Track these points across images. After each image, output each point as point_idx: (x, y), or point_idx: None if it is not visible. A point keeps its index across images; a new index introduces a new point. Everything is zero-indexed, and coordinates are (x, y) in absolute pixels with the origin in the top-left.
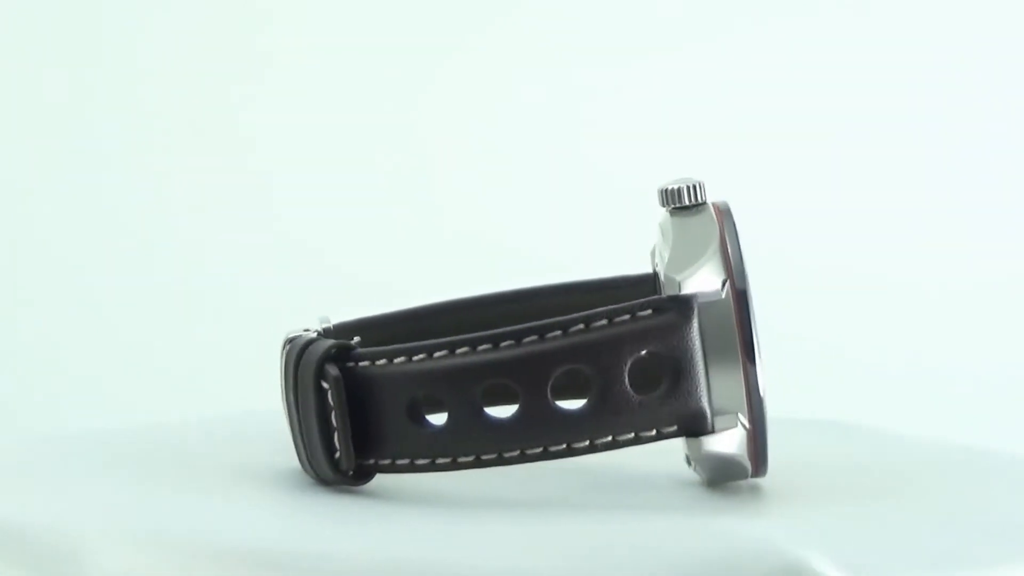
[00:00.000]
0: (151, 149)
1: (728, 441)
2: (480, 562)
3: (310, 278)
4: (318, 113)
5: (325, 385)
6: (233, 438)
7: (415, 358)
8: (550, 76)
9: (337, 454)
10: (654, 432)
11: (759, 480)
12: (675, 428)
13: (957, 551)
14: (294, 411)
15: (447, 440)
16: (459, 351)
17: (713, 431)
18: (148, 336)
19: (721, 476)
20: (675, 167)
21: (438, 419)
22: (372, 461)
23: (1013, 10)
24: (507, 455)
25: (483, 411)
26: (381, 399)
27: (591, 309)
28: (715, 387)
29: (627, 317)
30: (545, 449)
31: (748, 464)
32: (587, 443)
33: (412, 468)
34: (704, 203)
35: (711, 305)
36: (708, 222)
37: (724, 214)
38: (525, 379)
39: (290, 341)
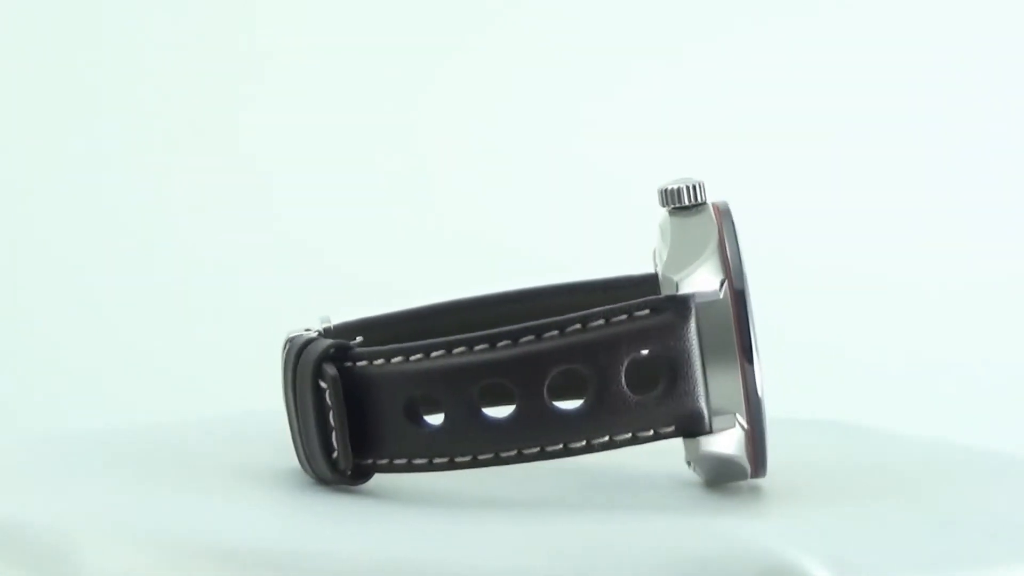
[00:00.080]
0: (151, 149)
1: (726, 442)
2: (479, 562)
3: (310, 278)
4: (318, 113)
5: (323, 385)
6: (233, 438)
7: (412, 358)
8: (550, 76)
9: (335, 454)
10: (651, 432)
11: (759, 480)
12: (672, 428)
13: (957, 551)
14: (293, 410)
15: (444, 440)
16: (456, 351)
17: (711, 431)
18: (148, 336)
19: (720, 477)
20: (675, 167)
21: (436, 419)
22: (370, 461)
23: (1013, 10)
24: (504, 455)
25: (480, 411)
26: (379, 399)
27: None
28: (713, 387)
29: (624, 317)
30: (542, 449)
31: (747, 465)
32: (584, 443)
33: (410, 468)
34: (704, 203)
35: (709, 305)
36: (707, 222)
37: (723, 214)
38: (522, 379)
39: (290, 341)
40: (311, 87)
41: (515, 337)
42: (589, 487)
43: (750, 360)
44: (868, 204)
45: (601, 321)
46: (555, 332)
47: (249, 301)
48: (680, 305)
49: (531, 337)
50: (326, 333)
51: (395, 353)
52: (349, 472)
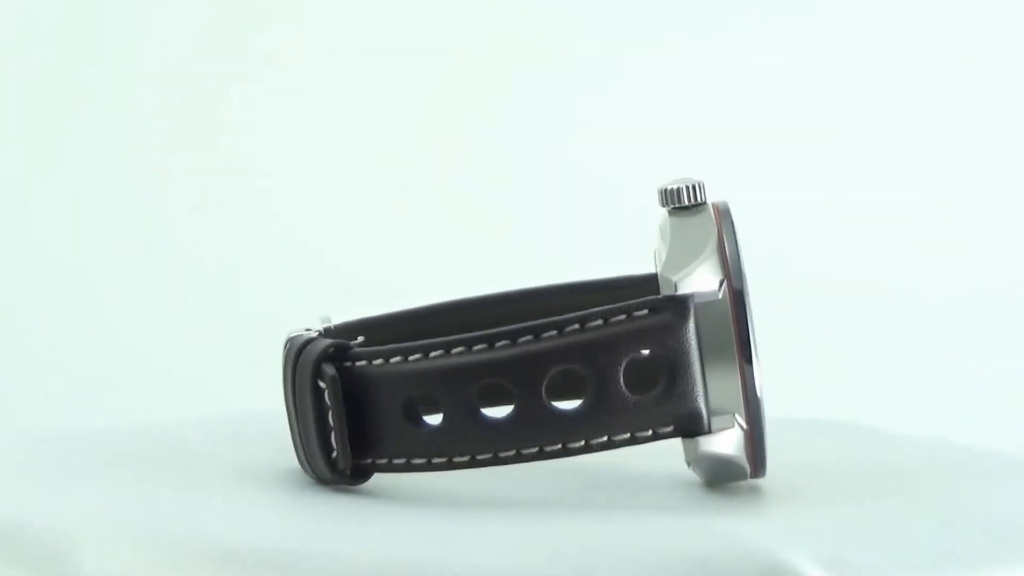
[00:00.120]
0: (151, 149)
1: (725, 442)
2: (479, 562)
3: (310, 278)
4: (318, 113)
5: (322, 385)
6: (233, 438)
7: (411, 358)
8: (550, 76)
9: (334, 453)
10: (650, 432)
11: (759, 480)
12: (671, 428)
13: (957, 551)
14: (292, 410)
15: (443, 440)
16: (455, 351)
17: (710, 431)
18: (148, 336)
19: (719, 477)
20: (676, 167)
21: (435, 419)
22: (369, 460)
23: (1013, 10)
24: (503, 455)
25: (478, 411)
26: (377, 399)
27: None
28: (712, 387)
29: (623, 317)
30: (540, 449)
31: (746, 465)
32: (582, 443)
33: (408, 468)
34: (703, 203)
35: (708, 305)
36: (706, 222)
37: (723, 214)
38: (520, 379)
39: (291, 340)
40: (311, 87)
41: (513, 337)
42: (588, 487)
43: (749, 360)
44: (868, 204)
45: (599, 321)
46: (553, 332)
47: (249, 301)
48: (679, 305)
49: (529, 337)
50: (326, 333)
51: (394, 353)
52: (348, 472)
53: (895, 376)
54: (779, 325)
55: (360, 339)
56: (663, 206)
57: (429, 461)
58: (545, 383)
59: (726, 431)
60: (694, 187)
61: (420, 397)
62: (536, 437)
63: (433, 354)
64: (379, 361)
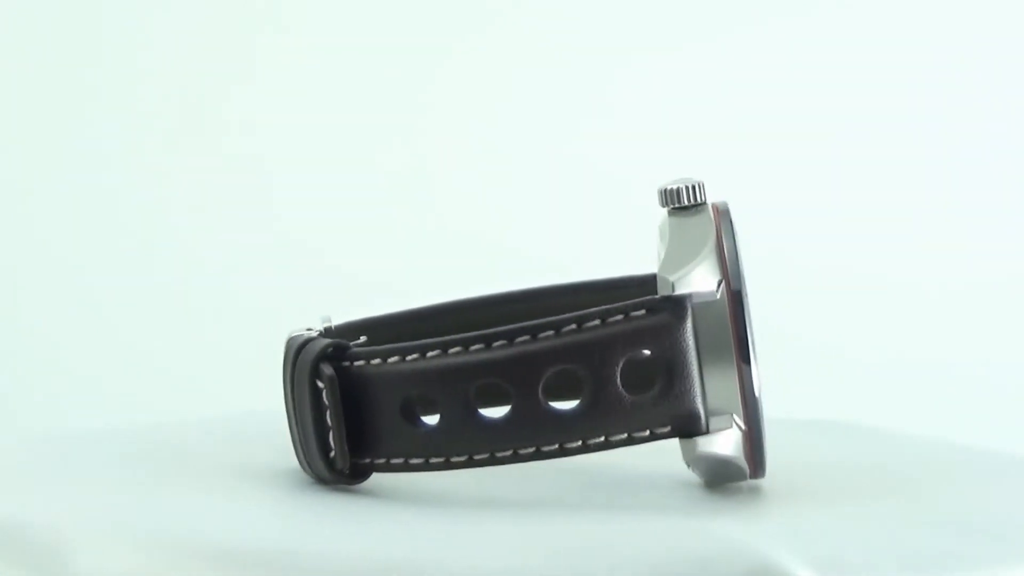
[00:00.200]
0: (151, 149)
1: (723, 442)
2: (477, 562)
3: (310, 278)
4: (319, 113)
5: (320, 384)
6: (233, 438)
7: (408, 358)
8: (551, 76)
9: (332, 453)
10: (647, 433)
11: (759, 481)
12: (669, 429)
13: (956, 552)
14: (291, 410)
15: (440, 440)
16: (452, 351)
17: (708, 432)
18: (148, 336)
19: (718, 477)
20: (677, 167)
21: (432, 419)
22: (367, 460)
23: (1013, 10)
24: (500, 455)
25: (476, 411)
26: (375, 398)
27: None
28: (710, 388)
29: (620, 317)
30: (538, 449)
31: (744, 465)
32: (580, 443)
33: (406, 467)
34: (703, 203)
35: (706, 306)
36: (705, 222)
37: (722, 214)
38: (517, 379)
39: (291, 340)
40: (312, 87)
41: (510, 337)
42: (586, 487)
43: (747, 360)
44: (868, 204)
45: (597, 321)
46: (550, 332)
47: (249, 301)
48: (676, 305)
49: (526, 337)
50: (327, 333)
51: (391, 353)
52: (346, 471)
53: (895, 376)
54: (779, 325)
55: (363, 339)
56: (663, 206)
57: (427, 461)
58: (542, 383)
59: (724, 431)
60: (694, 187)
61: (418, 397)
62: (533, 437)
63: (430, 354)
64: (377, 361)
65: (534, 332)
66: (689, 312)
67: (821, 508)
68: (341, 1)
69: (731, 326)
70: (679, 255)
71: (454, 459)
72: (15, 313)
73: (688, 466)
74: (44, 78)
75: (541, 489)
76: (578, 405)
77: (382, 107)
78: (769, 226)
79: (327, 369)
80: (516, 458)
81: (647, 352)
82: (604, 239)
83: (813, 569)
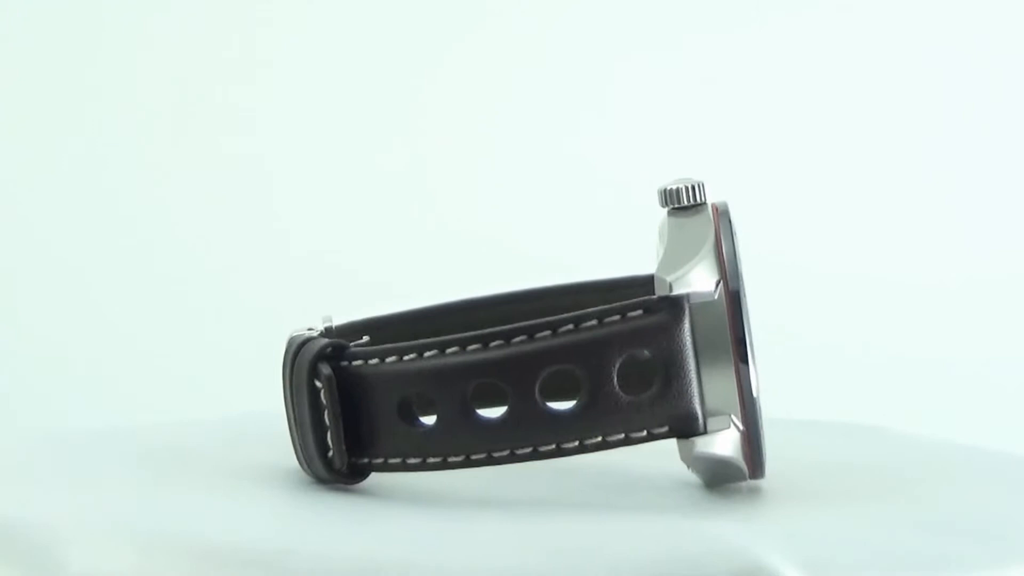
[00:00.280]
0: (151, 149)
1: (721, 443)
2: (476, 561)
3: (311, 278)
4: (319, 113)
5: (318, 384)
6: (233, 438)
7: (406, 357)
8: (552, 76)
9: (330, 453)
10: (644, 433)
11: (759, 481)
12: (666, 429)
13: (956, 552)
14: (290, 409)
15: (437, 440)
16: (449, 351)
17: (705, 432)
18: (148, 336)
19: (717, 478)
20: (677, 167)
21: (430, 419)
22: (365, 460)
23: (1013, 10)
24: (497, 455)
25: (473, 411)
26: (373, 398)
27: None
28: (708, 388)
29: (617, 318)
30: (535, 449)
31: (743, 466)
32: (577, 443)
33: (404, 467)
34: (703, 203)
35: (704, 306)
36: (704, 223)
37: (721, 215)
38: (513, 379)
39: (291, 340)
40: (312, 87)
41: (507, 337)
42: (585, 487)
43: (745, 361)
44: (868, 203)
45: (594, 322)
46: (547, 332)
47: (249, 301)
48: (673, 305)
49: (523, 337)
50: (327, 333)
51: (389, 353)
52: (344, 471)
53: (895, 376)
54: (778, 325)
55: (366, 339)
56: (663, 206)
57: (424, 460)
58: (539, 383)
59: (723, 432)
60: (694, 187)
61: (415, 397)
62: (530, 437)
63: (427, 354)
64: (375, 361)
65: (531, 332)
66: (687, 312)
67: (820, 509)
68: (341, 1)
69: (729, 326)
70: (677, 255)
71: (451, 459)
72: (15, 313)
73: (687, 467)
74: (44, 78)
75: (538, 489)
76: (575, 405)
77: (383, 107)
78: (769, 226)
79: (325, 369)
80: (513, 458)
81: (645, 352)
82: (605, 239)
83: (802, 570)
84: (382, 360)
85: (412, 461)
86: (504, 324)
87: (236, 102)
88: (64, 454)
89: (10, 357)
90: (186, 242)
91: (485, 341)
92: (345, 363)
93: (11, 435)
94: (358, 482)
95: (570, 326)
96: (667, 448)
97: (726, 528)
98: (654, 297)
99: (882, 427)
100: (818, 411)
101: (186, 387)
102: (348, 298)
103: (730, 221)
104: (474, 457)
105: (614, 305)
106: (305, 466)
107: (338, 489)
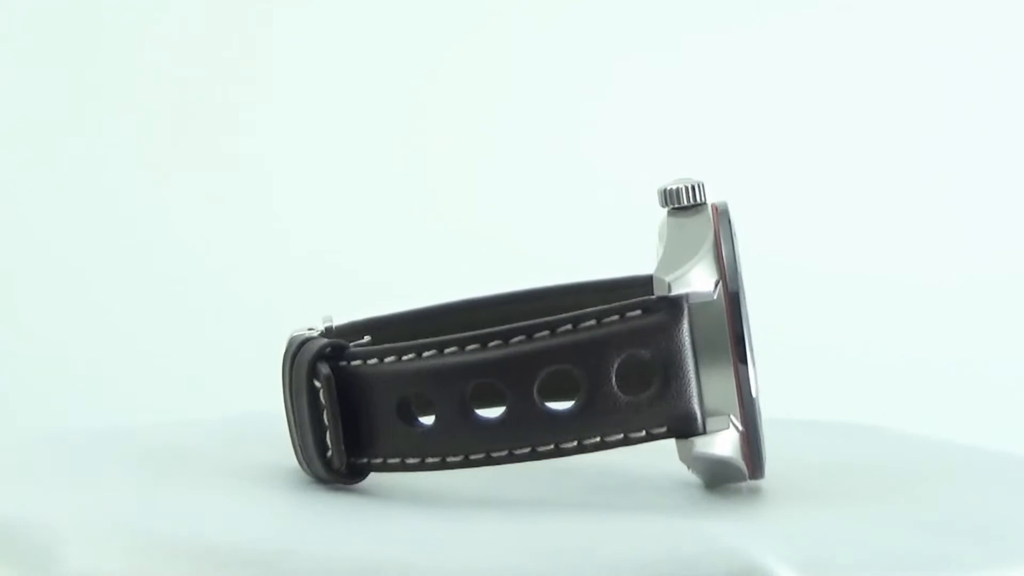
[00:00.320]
0: (151, 149)
1: (721, 443)
2: (475, 561)
3: (311, 278)
4: (319, 113)
5: (317, 384)
6: (233, 438)
7: (405, 358)
8: (553, 75)
9: (329, 452)
10: (643, 433)
11: (759, 481)
12: (665, 429)
13: (958, 552)
14: (290, 409)
15: (436, 440)
16: (448, 351)
17: (704, 432)
18: (148, 336)
19: (717, 478)
20: (677, 167)
21: (429, 419)
22: (364, 460)
23: (1013, 10)
24: (495, 455)
25: (471, 411)
26: (372, 398)
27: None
28: (707, 388)
29: (616, 318)
30: (533, 449)
31: (743, 466)
32: (575, 443)
33: (403, 467)
34: (703, 203)
35: (703, 306)
36: (704, 223)
37: (721, 215)
38: (512, 379)
39: (291, 340)
40: (312, 87)
41: (506, 337)
42: (585, 487)
43: (744, 361)
44: (868, 203)
45: (592, 322)
46: (546, 332)
47: (249, 301)
48: (672, 306)
49: (522, 337)
50: (328, 333)
51: (388, 353)
52: (344, 471)
53: (895, 376)
54: (778, 325)
55: (367, 338)
56: (663, 206)
57: (423, 460)
58: (537, 383)
59: (722, 432)
60: (694, 187)
61: (414, 397)
62: (528, 437)
63: (426, 354)
64: (374, 361)
65: (529, 332)
66: (685, 312)
67: (819, 509)
68: (341, 1)
69: (728, 326)
70: (676, 255)
71: (450, 459)
72: (15, 313)
73: (687, 467)
74: (44, 77)
75: (538, 489)
76: (574, 405)
77: (383, 107)
78: (769, 226)
79: (324, 369)
80: (512, 458)
81: (644, 352)
82: (605, 239)
83: (797, 570)
84: (381, 360)
85: (411, 461)
86: (504, 324)
87: (236, 102)
88: (64, 454)
89: (10, 357)
90: (186, 242)
91: (483, 341)
92: (344, 363)
93: (11, 435)
94: (357, 482)
95: (568, 326)
96: (667, 448)
97: (726, 528)
98: (653, 297)
99: (882, 427)
100: (818, 411)
101: (186, 387)
102: (348, 298)
103: (730, 221)
104: (473, 457)
105: (613, 305)
106: (304, 466)
107: (338, 489)
